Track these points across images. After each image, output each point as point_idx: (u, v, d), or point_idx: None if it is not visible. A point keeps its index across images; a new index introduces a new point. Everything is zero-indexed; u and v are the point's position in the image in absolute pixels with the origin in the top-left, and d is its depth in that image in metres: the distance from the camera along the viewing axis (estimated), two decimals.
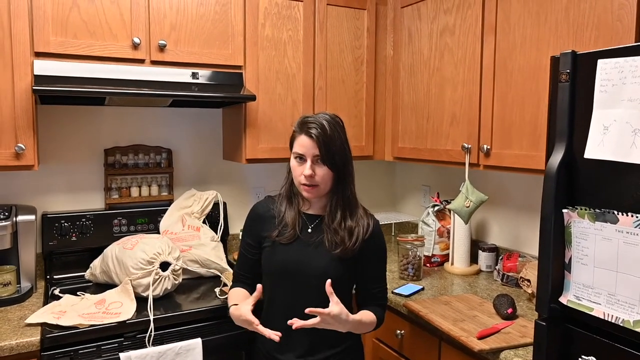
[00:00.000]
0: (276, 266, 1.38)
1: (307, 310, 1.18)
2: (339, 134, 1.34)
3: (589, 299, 1.07)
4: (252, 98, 1.88)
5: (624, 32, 1.32)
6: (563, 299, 1.12)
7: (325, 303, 1.26)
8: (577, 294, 1.09)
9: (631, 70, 0.98)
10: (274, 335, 1.21)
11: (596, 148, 1.04)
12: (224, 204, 2.18)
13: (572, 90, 1.10)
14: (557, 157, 1.10)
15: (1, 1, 1.58)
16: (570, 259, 1.10)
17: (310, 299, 1.32)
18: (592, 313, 1.06)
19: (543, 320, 1.14)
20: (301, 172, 1.33)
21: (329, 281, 1.22)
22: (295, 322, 1.18)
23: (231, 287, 1.51)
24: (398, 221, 2.63)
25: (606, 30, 1.37)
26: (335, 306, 1.21)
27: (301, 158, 1.33)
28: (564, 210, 1.10)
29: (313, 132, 1.30)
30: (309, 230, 1.40)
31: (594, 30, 1.40)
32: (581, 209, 1.07)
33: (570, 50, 1.10)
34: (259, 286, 1.32)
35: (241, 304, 1.32)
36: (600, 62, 1.04)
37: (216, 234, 2.05)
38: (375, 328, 1.40)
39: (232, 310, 1.36)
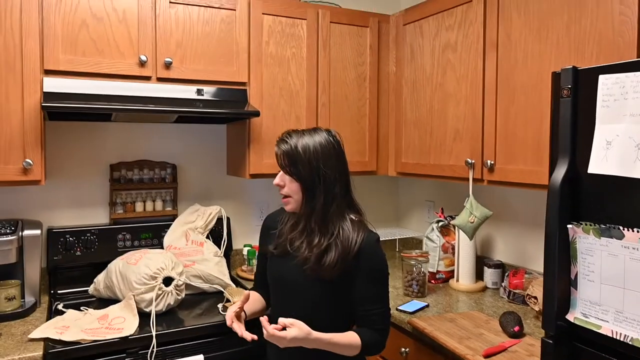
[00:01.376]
0: (270, 279, 1.41)
1: (262, 324, 1.20)
2: (314, 145, 1.30)
3: (596, 316, 1.04)
4: (256, 114, 1.88)
5: (625, 48, 1.31)
6: (570, 316, 1.09)
7: (319, 319, 1.28)
8: (584, 311, 1.07)
9: (632, 85, 0.97)
10: (247, 335, 1.23)
11: (600, 163, 1.03)
12: (228, 219, 2.17)
13: (574, 105, 1.09)
14: (560, 172, 1.08)
15: (14, 20, 1.61)
16: (576, 275, 1.08)
17: (300, 313, 1.30)
18: (600, 331, 1.03)
19: (550, 338, 1.12)
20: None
21: (264, 319, 1.21)
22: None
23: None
24: (402, 237, 2.61)
25: (607, 46, 1.36)
26: (292, 329, 1.18)
27: (278, 170, 1.36)
28: (569, 226, 1.08)
29: (281, 145, 1.33)
30: (296, 244, 1.37)
31: (595, 45, 1.39)
32: (586, 225, 1.06)
33: (571, 66, 1.09)
34: (245, 292, 1.34)
35: (230, 307, 1.34)
36: (602, 78, 1.03)
37: (219, 249, 2.04)
38: (368, 352, 1.30)
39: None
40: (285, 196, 1.34)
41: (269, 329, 1.17)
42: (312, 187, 1.30)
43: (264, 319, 1.20)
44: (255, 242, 2.20)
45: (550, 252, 1.09)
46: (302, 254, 1.31)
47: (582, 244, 1.06)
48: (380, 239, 1.35)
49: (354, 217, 1.33)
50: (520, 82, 1.64)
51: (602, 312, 1.02)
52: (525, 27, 1.61)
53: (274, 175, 2.10)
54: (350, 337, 1.26)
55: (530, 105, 1.60)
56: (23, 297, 1.73)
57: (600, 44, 1.38)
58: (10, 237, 1.68)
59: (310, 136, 1.31)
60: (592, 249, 1.04)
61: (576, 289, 1.08)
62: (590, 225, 1.05)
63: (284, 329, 1.18)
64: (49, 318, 1.65)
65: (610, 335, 1.01)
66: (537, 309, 1.62)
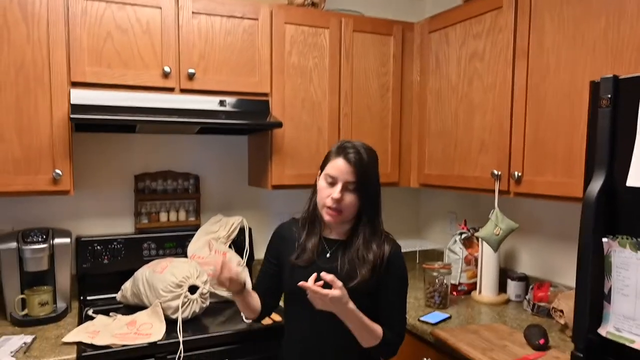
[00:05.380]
0: (293, 288, 1.31)
1: (300, 284, 1.14)
2: (373, 164, 1.30)
3: (629, 331, 1.00)
4: (279, 125, 1.84)
5: None
6: (602, 331, 1.05)
7: (342, 329, 1.23)
8: (617, 326, 1.03)
9: None
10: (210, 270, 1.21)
11: (639, 176, 0.98)
12: (250, 229, 2.13)
13: (613, 115, 1.04)
14: (596, 185, 1.04)
15: (41, 33, 1.60)
16: (610, 289, 1.04)
17: (329, 325, 1.26)
18: (633, 345, 1.00)
19: (580, 351, 1.08)
20: (329, 194, 1.26)
21: (324, 274, 1.15)
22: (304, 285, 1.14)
23: None
24: (422, 249, 2.54)
25: None
26: (336, 291, 1.14)
27: (332, 181, 1.27)
28: (604, 240, 1.04)
29: (351, 157, 1.25)
30: (328, 255, 1.33)
31: (634, 51, 1.31)
32: (622, 238, 1.02)
33: (611, 75, 1.04)
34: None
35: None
36: None
37: (242, 258, 1.98)
38: (384, 350, 1.29)
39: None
40: (336, 209, 1.26)
41: (313, 287, 1.12)
42: (373, 203, 1.29)
43: (312, 278, 1.15)
44: None
45: (583, 266, 1.05)
46: (343, 266, 1.28)
47: (617, 257, 1.02)
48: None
49: (383, 228, 1.34)
50: (552, 91, 1.56)
51: (636, 327, 0.99)
52: (558, 33, 1.54)
53: (295, 187, 2.02)
54: (376, 326, 1.26)
55: (561, 115, 1.54)
56: (55, 302, 1.75)
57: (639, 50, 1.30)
58: (42, 245, 1.69)
59: (364, 148, 1.28)
60: (627, 262, 1.00)
61: (609, 303, 1.04)
62: (627, 239, 1.01)
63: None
64: (80, 323, 1.67)
65: None
66: (562, 322, 1.57)
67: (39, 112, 1.59)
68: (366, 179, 1.25)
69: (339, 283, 1.15)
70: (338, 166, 1.25)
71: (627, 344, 1.00)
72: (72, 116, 1.52)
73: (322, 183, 1.28)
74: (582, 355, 1.06)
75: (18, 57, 1.55)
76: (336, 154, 1.27)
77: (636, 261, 0.97)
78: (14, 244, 1.66)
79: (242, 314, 1.48)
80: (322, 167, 1.31)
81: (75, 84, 1.64)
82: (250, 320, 1.45)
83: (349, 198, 1.25)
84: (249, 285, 1.39)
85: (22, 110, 1.57)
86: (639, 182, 0.97)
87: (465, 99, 1.90)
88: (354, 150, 1.25)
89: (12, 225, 1.84)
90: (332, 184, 1.25)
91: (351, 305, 1.18)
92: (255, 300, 1.40)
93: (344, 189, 1.24)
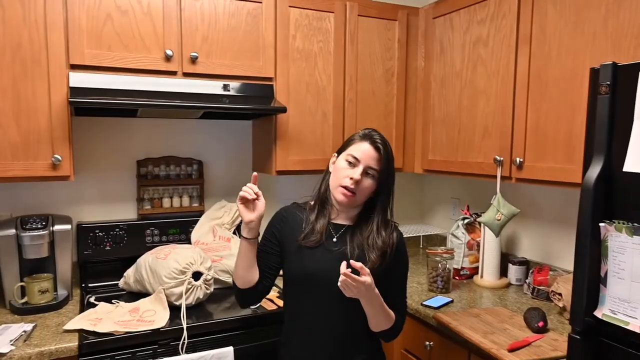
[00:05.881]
0: (300, 270, 1.32)
1: (343, 269, 1.13)
2: (393, 158, 1.34)
3: (624, 313, 1.03)
4: (283, 110, 1.82)
5: None
6: (598, 313, 1.08)
7: (346, 313, 1.26)
8: (613, 308, 1.05)
9: None
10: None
11: (636, 161, 1.00)
12: None
13: (611, 102, 1.05)
14: (594, 171, 1.06)
15: (38, 14, 1.57)
16: (606, 272, 1.06)
17: (333, 308, 1.28)
18: (628, 327, 1.02)
19: (577, 333, 1.10)
20: (348, 174, 1.27)
21: (353, 263, 1.16)
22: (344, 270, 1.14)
23: None
24: (426, 234, 2.57)
25: None
26: (368, 277, 1.16)
27: (354, 162, 1.28)
28: (601, 224, 1.06)
29: (380, 145, 1.28)
30: (334, 239, 1.34)
31: (633, 39, 1.33)
32: (619, 223, 1.04)
33: (610, 62, 1.05)
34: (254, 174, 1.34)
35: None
36: None
37: None
38: (391, 333, 1.32)
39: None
40: (351, 191, 1.27)
41: (352, 275, 1.12)
42: (388, 192, 1.32)
43: (343, 265, 1.15)
44: None
45: (581, 250, 1.08)
46: (352, 249, 1.29)
47: (613, 242, 1.04)
48: (404, 236, 1.42)
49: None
50: (553, 77, 1.58)
51: (631, 309, 1.01)
52: (560, 20, 1.55)
53: (300, 172, 2.00)
54: (391, 311, 1.30)
55: (562, 101, 1.55)
56: (56, 290, 1.73)
57: (639, 38, 1.31)
58: (42, 232, 1.67)
59: (387, 141, 1.31)
60: (623, 247, 1.02)
61: (605, 286, 1.07)
62: (623, 223, 1.03)
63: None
64: (81, 310, 1.66)
65: (638, 332, 1.00)
66: (561, 305, 1.61)
67: (36, 96, 1.55)
68: (388, 169, 1.29)
69: (367, 270, 1.16)
70: (364, 150, 1.26)
71: (622, 325, 1.02)
72: (71, 100, 1.49)
73: (342, 163, 1.29)
74: (578, 337, 1.08)
75: (14, 38, 1.52)
76: (362, 138, 1.29)
77: (632, 245, 1.00)
78: (12, 231, 1.63)
79: (234, 280, 1.35)
80: (341, 150, 1.32)
81: (74, 67, 1.61)
82: (241, 290, 1.32)
83: (367, 183, 1.27)
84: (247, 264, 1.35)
85: (20, 93, 1.54)
86: (636, 168, 0.99)
87: (470, 85, 1.91)
88: (381, 139, 1.29)
89: (10, 212, 1.82)
90: (354, 165, 1.27)
91: (376, 290, 1.21)
92: (256, 270, 1.35)
93: (364, 172, 1.26)
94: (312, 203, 1.38)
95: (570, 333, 1.11)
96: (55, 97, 1.56)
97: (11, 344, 1.36)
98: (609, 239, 1.04)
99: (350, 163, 1.27)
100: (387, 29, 2.11)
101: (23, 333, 1.43)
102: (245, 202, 1.27)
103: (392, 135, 2.17)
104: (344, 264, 1.15)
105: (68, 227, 1.72)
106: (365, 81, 2.08)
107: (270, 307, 1.68)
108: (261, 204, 1.29)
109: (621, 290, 1.02)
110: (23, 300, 1.62)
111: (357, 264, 1.13)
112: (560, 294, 1.59)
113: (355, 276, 1.13)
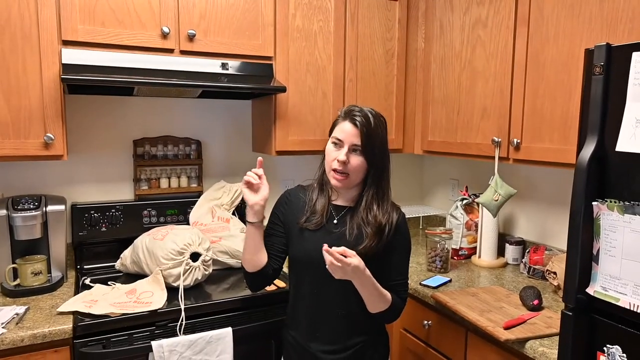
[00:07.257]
0: (301, 252, 1.35)
1: (325, 249, 1.14)
2: (381, 129, 1.32)
3: (615, 290, 1.05)
4: (283, 89, 1.82)
5: None
6: (590, 290, 1.11)
7: (345, 295, 1.27)
8: (604, 285, 1.08)
9: None
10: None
11: (628, 141, 1.02)
12: None
13: (605, 83, 1.07)
14: (588, 150, 1.08)
15: None
16: (599, 250, 1.09)
17: (333, 288, 1.30)
18: (619, 303, 1.05)
19: (570, 310, 1.13)
20: (335, 157, 1.29)
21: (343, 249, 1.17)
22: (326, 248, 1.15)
23: None
24: (426, 214, 2.60)
25: None
26: (354, 259, 1.16)
27: (339, 144, 1.30)
28: (594, 203, 1.09)
29: (357, 120, 1.27)
30: (335, 221, 1.36)
31: (628, 23, 1.36)
32: (611, 202, 1.06)
33: (604, 43, 1.07)
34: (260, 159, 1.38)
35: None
36: (635, 55, 1.01)
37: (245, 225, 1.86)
38: (390, 314, 1.33)
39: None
40: (342, 172, 1.28)
41: (337, 255, 1.13)
42: (380, 167, 1.30)
43: (324, 249, 1.16)
44: None
45: (574, 229, 1.10)
46: (352, 230, 1.31)
47: (605, 220, 1.06)
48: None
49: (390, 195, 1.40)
50: (550, 59, 1.60)
51: (622, 286, 1.04)
52: (558, 2, 1.57)
53: (300, 153, 1.95)
54: (386, 292, 1.31)
55: (559, 82, 1.58)
56: (49, 272, 1.71)
57: (633, 21, 1.35)
58: (34, 213, 1.63)
59: (372, 114, 1.29)
60: (615, 225, 1.04)
61: (597, 263, 1.09)
62: (615, 202, 1.06)
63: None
64: (76, 293, 1.65)
65: (628, 308, 1.04)
66: (555, 283, 1.65)
67: (27, 72, 1.52)
68: (371, 141, 1.28)
69: (351, 252, 1.17)
70: (345, 129, 1.28)
71: (613, 302, 1.06)
72: (63, 76, 1.45)
73: (329, 147, 1.32)
74: (571, 314, 1.11)
75: (3, 12, 1.48)
76: (343, 117, 1.30)
77: (623, 224, 1.03)
78: (3, 212, 1.61)
79: (243, 265, 1.39)
80: (331, 132, 1.34)
81: (67, 43, 1.57)
82: (250, 273, 1.35)
83: (356, 161, 1.27)
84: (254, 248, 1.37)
85: (9, 69, 1.50)
86: (628, 147, 1.01)
87: (469, 66, 1.93)
88: (360, 113, 1.29)
89: (1, 192, 1.80)
90: (339, 146, 1.29)
91: (368, 272, 1.22)
92: (264, 254, 1.37)
93: (350, 151, 1.28)
94: (314, 186, 1.40)
95: (563, 310, 1.14)
96: (46, 73, 1.53)
97: (2, 327, 1.34)
98: (601, 218, 1.06)
99: (335, 144, 1.30)
100: (388, 9, 2.10)
101: (15, 316, 1.41)
102: (250, 186, 1.32)
103: (392, 116, 2.19)
104: (325, 245, 1.15)
105: (62, 207, 1.70)
106: (366, 61, 2.08)
107: (270, 287, 1.68)
108: (265, 187, 1.32)
109: (612, 268, 1.05)
110: (15, 283, 1.61)
111: (339, 249, 1.14)
112: (555, 273, 1.64)
113: (340, 256, 1.13)
